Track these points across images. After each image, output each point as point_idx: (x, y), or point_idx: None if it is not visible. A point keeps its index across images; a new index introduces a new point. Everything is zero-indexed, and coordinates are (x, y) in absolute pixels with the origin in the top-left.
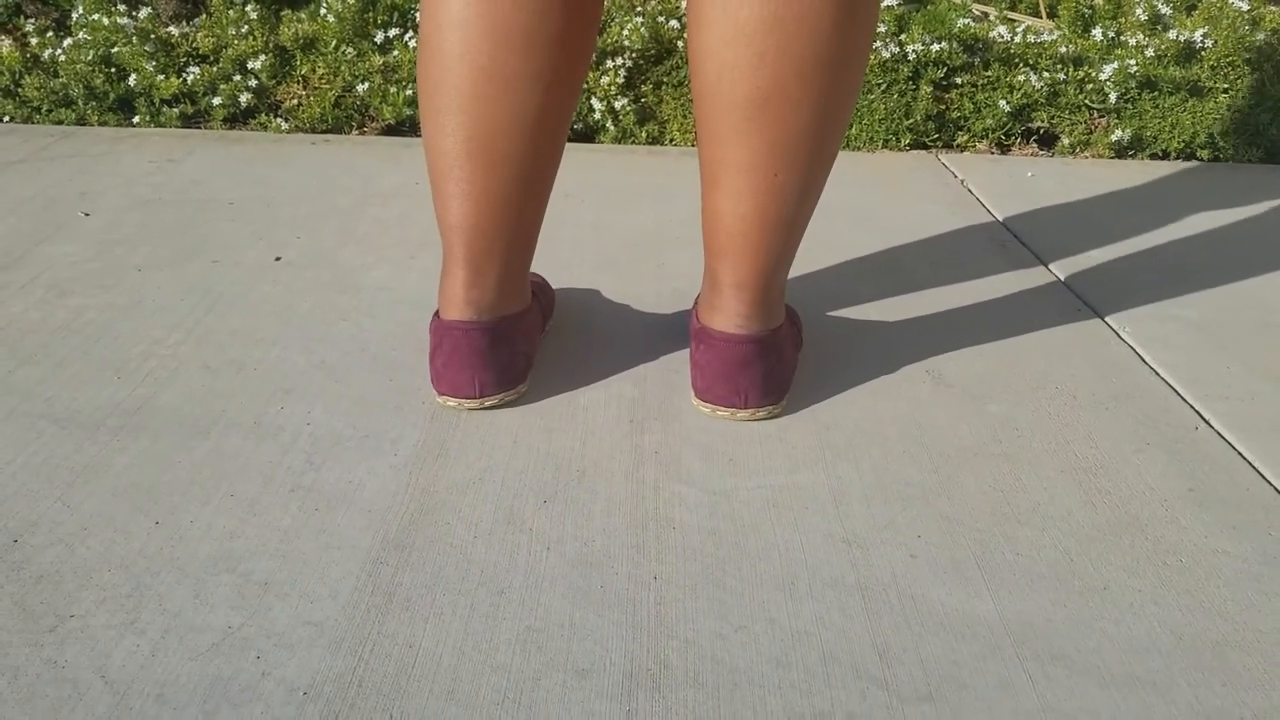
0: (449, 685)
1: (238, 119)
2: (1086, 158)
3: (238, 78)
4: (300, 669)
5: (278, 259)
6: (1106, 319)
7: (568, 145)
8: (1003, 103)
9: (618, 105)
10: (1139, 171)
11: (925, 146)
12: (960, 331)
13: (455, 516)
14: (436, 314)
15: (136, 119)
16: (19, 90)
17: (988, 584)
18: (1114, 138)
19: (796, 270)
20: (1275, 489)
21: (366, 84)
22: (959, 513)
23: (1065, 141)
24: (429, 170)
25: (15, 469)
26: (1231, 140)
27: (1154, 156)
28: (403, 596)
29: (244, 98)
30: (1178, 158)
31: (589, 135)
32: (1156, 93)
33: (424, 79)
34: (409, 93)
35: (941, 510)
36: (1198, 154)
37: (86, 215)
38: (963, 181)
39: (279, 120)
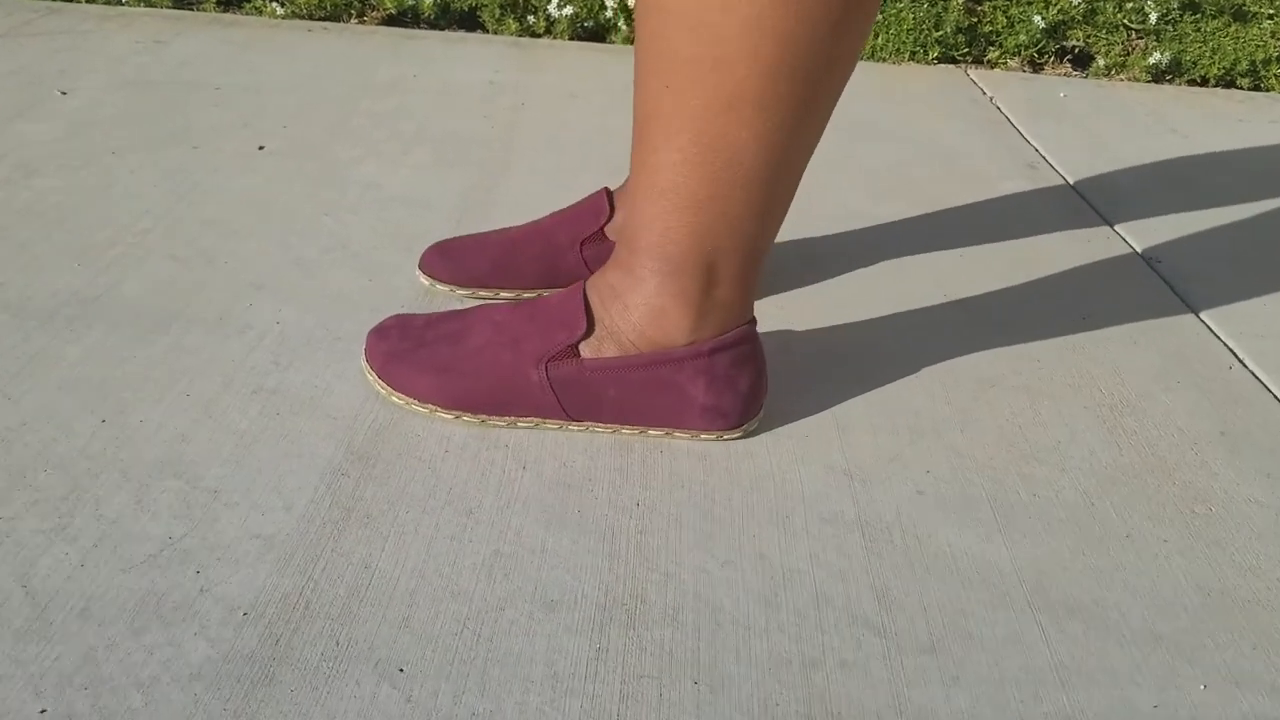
0: (404, 611)
1: (232, 2)
2: (1121, 80)
3: None
4: (243, 586)
5: (261, 148)
6: (1138, 250)
7: (576, 45)
8: (1038, 18)
9: (631, 2)
10: (1175, 97)
11: (954, 61)
12: (982, 255)
13: (427, 429)
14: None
15: None
16: None
17: (1000, 526)
18: (1151, 60)
19: (807, 187)
20: None
21: None
22: (972, 448)
23: (1100, 62)
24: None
25: None
26: (1275, 69)
27: (1192, 82)
28: (362, 512)
29: None
30: (1216, 85)
31: (599, 34)
32: (1199, 15)
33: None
34: None
35: (953, 444)
36: (1238, 82)
37: (64, 94)
38: (991, 99)
39: (274, 4)
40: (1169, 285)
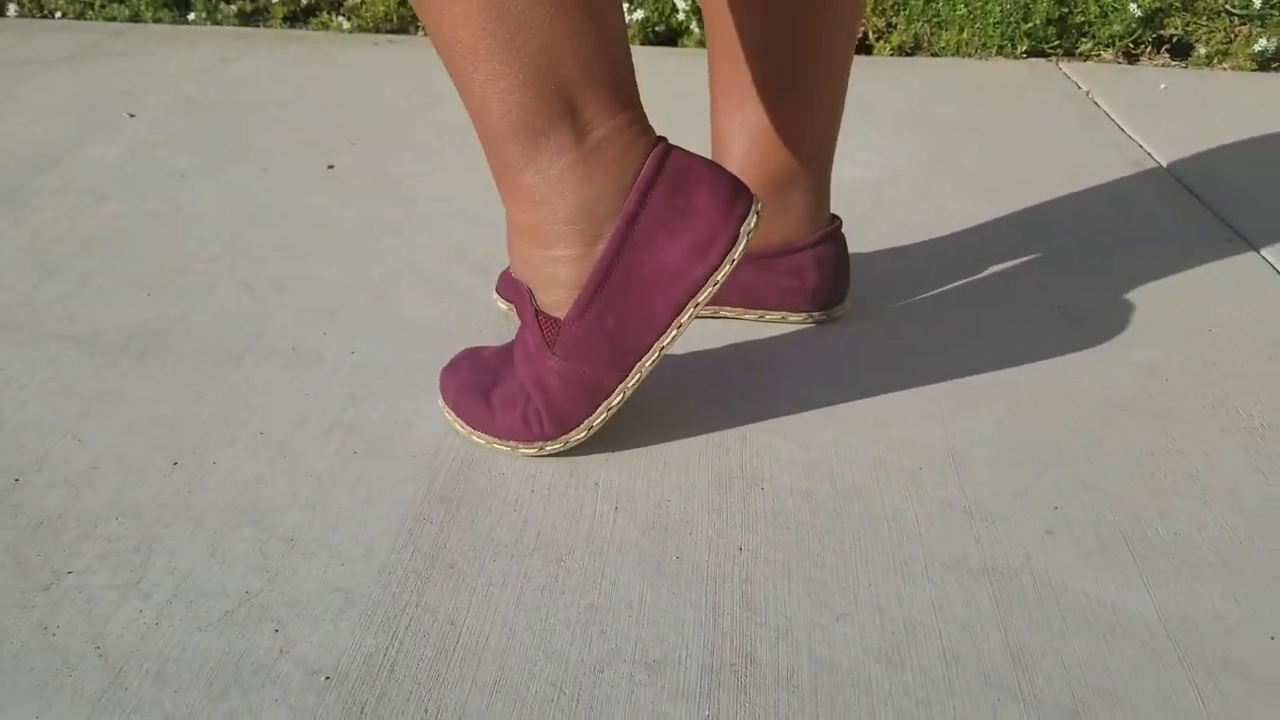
0: (495, 674)
1: (298, 17)
2: (1224, 69)
3: None
4: (324, 647)
5: (330, 167)
6: (1261, 252)
7: (648, 50)
8: (1134, 6)
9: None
10: None
11: (1044, 54)
12: (1094, 264)
13: (511, 466)
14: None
15: (192, 16)
16: None
17: (1141, 571)
18: (1257, 47)
19: (903, 189)
20: None
21: None
22: (1103, 480)
23: (1201, 51)
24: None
25: (26, 397)
26: None
27: None
28: (446, 561)
29: None
30: None
31: (671, 38)
32: None
33: None
34: None
35: (1083, 477)
36: None
37: (131, 116)
38: (1088, 93)
39: (340, 19)
40: None
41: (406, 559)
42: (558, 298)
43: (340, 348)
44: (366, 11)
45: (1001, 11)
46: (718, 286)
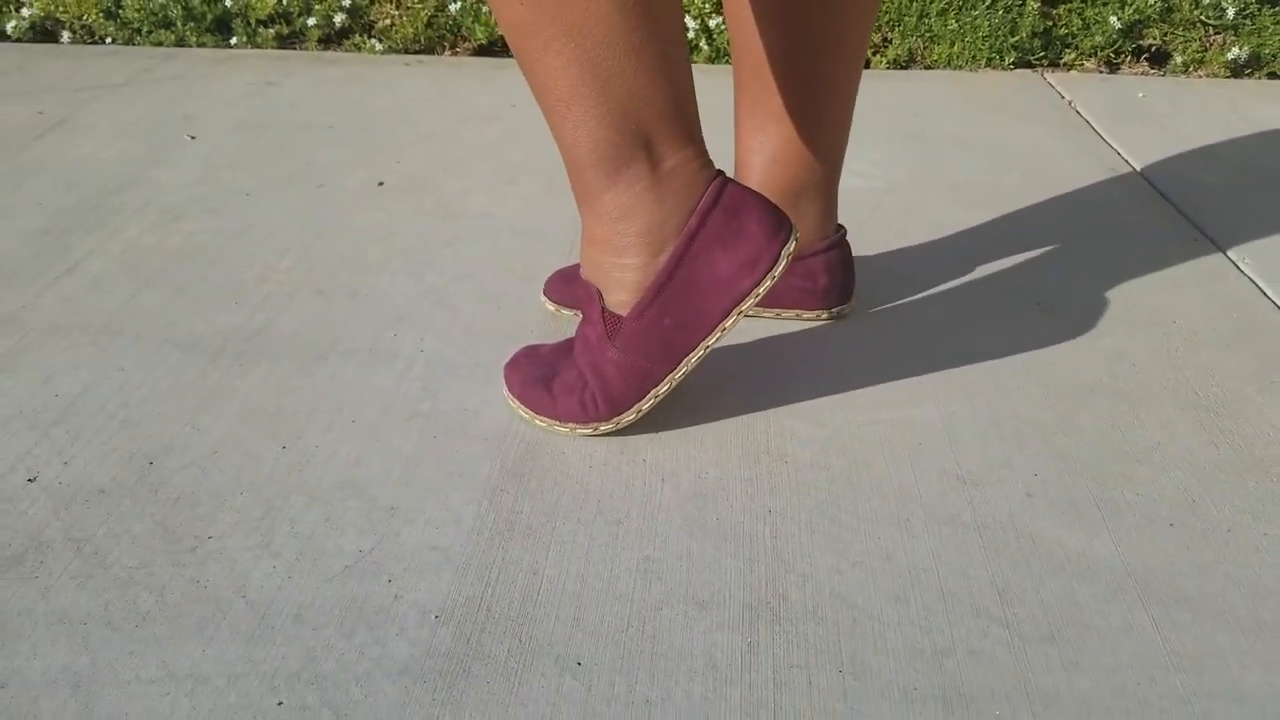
0: (574, 612)
1: (332, 39)
2: (1200, 77)
3: None
4: (431, 593)
5: (380, 184)
6: (1226, 251)
7: None
8: (1113, 18)
9: (712, 24)
10: (1257, 92)
11: (1030, 65)
12: (1070, 261)
13: (569, 447)
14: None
15: (234, 40)
16: (120, 11)
17: (1108, 525)
18: (1230, 56)
19: (899, 198)
20: None
21: (458, 2)
22: (1076, 450)
23: (1178, 59)
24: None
25: (145, 393)
26: None
27: (1272, 76)
28: (524, 524)
29: (338, 18)
30: None
31: None
32: (1277, 8)
33: None
34: None
35: (1058, 448)
36: None
37: (192, 138)
38: (1070, 102)
39: (373, 41)
40: (1258, 287)
41: (490, 523)
42: (622, 299)
43: (411, 347)
44: (397, 33)
45: (990, 26)
46: (759, 298)
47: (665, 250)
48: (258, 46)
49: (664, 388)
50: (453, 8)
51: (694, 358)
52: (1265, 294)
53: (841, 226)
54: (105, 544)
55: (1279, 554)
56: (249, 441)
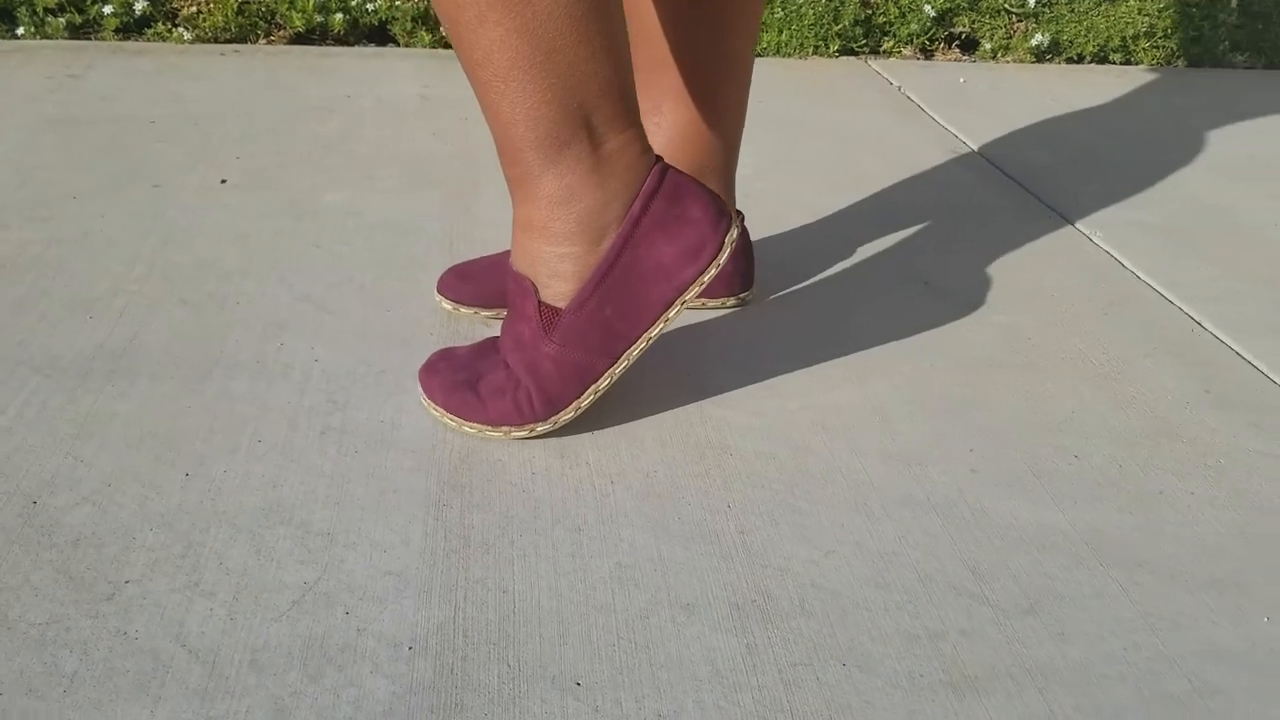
0: (557, 630)
1: (131, 29)
2: (1008, 62)
3: None
4: (396, 622)
5: (223, 182)
6: (1076, 224)
7: None
8: (928, 7)
9: None
10: (1060, 76)
11: (853, 53)
12: (942, 240)
13: (504, 452)
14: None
15: (20, 31)
16: None
17: (1051, 495)
18: (1034, 42)
19: (767, 183)
20: None
21: None
22: (1001, 424)
23: (987, 46)
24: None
25: (8, 422)
26: (1143, 43)
27: (1069, 60)
28: (479, 540)
29: (139, 5)
30: (1091, 61)
31: None
32: None
33: None
34: None
35: (983, 423)
36: (1110, 57)
37: None
38: (899, 88)
39: (180, 30)
40: (1114, 258)
41: (441, 541)
42: (561, 290)
43: (303, 357)
44: (205, 21)
45: (815, 14)
46: (702, 287)
47: (606, 238)
48: (47, 37)
49: (604, 383)
50: None
51: (635, 350)
52: (1124, 265)
53: (739, 211)
54: (1, 600)
55: (1209, 512)
56: (145, 470)
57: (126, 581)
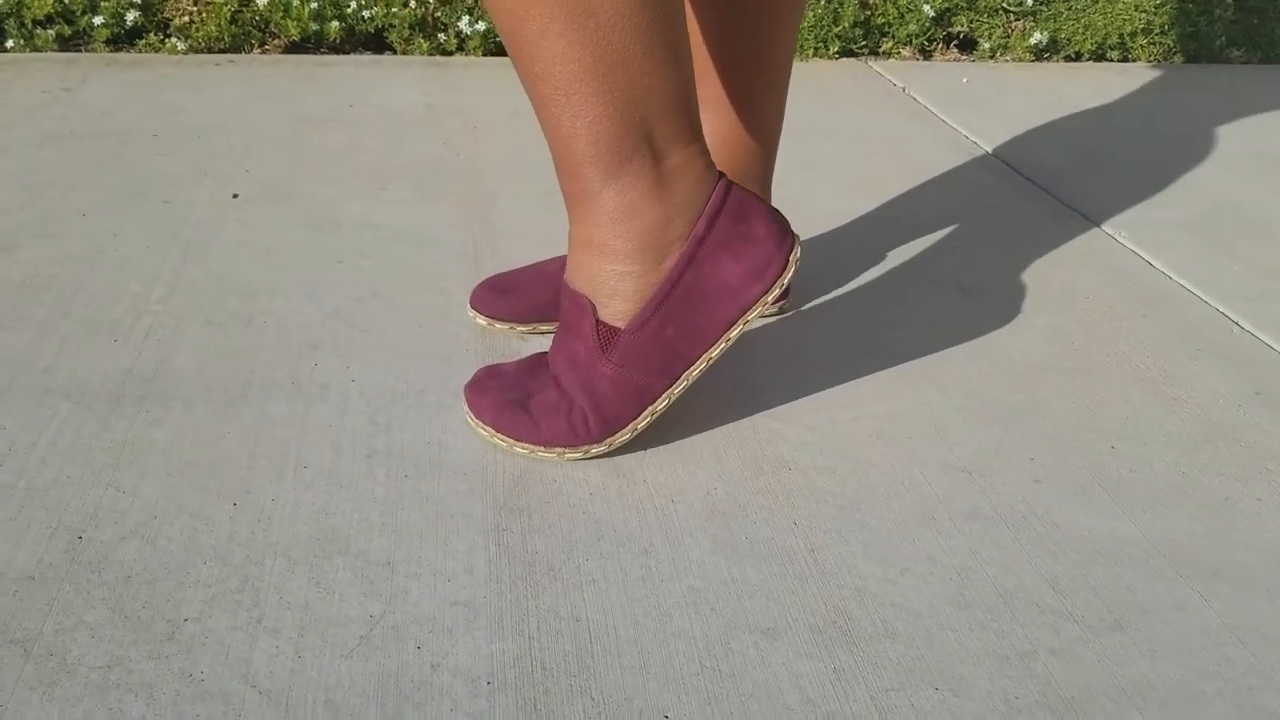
0: (638, 659)
1: (123, 40)
2: (1007, 61)
3: None
4: (470, 656)
5: (235, 196)
6: (1101, 225)
7: (493, 60)
8: (927, 6)
9: None
10: (1060, 74)
11: (853, 54)
12: (967, 244)
13: (559, 473)
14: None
15: (9, 44)
16: None
17: (1118, 504)
18: (1032, 40)
19: (786, 188)
20: None
21: None
22: (1058, 431)
23: (985, 45)
24: None
25: (43, 452)
26: (1141, 40)
27: (1068, 58)
28: (544, 565)
29: (130, 15)
30: (1089, 59)
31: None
32: None
33: None
34: (313, 5)
35: (1041, 430)
36: (1108, 55)
37: None
38: (904, 89)
39: (173, 40)
40: (1143, 258)
41: (506, 567)
42: (619, 309)
43: (339, 377)
44: (198, 31)
45: (814, 16)
46: (766, 306)
47: (668, 256)
48: (37, 49)
49: (662, 404)
50: (261, 2)
51: (695, 371)
52: (1154, 265)
53: None
54: (58, 642)
55: (1278, 517)
56: (190, 501)
57: (185, 619)
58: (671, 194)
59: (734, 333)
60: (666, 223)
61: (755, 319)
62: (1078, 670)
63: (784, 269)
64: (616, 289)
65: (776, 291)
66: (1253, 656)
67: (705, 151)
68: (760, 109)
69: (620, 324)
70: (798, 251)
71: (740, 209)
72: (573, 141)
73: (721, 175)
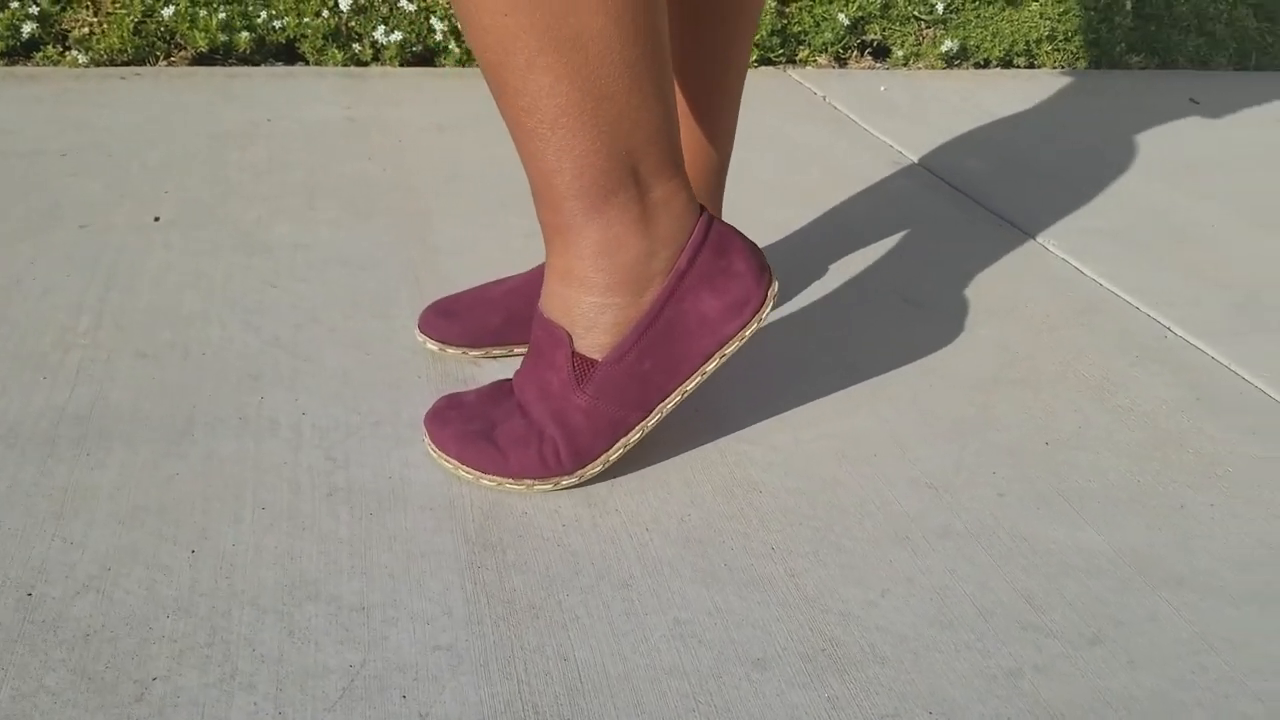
0: (631, 698)
1: (18, 52)
2: (920, 68)
3: (15, 4)
4: (461, 703)
5: (156, 219)
6: (1031, 234)
7: (410, 71)
8: (841, 16)
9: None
10: (973, 80)
11: (771, 63)
12: (906, 256)
13: (528, 504)
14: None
15: None
16: None
17: (1081, 514)
18: (944, 48)
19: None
20: (1265, 392)
21: (172, 7)
22: (1014, 443)
23: (898, 53)
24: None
25: None
26: (1046, 46)
27: (978, 65)
28: (524, 603)
29: (26, 28)
30: (998, 65)
31: (429, 58)
32: (978, 2)
33: None
34: (222, 15)
35: (998, 443)
36: (1015, 61)
37: None
38: (825, 98)
39: (73, 52)
40: (1074, 267)
41: (485, 607)
42: (597, 342)
43: (288, 409)
44: (99, 43)
45: None
46: (744, 341)
47: (649, 289)
48: None
49: (635, 436)
50: (166, 12)
51: (668, 404)
52: (1085, 274)
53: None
54: (17, 710)
55: (1234, 524)
56: (144, 549)
57: (154, 679)
58: (655, 227)
59: (710, 366)
60: (650, 256)
61: (732, 353)
62: (1063, 686)
63: (762, 304)
64: (596, 321)
65: (755, 326)
66: (1225, 664)
67: (688, 184)
68: (716, 124)
69: (597, 356)
70: (775, 287)
71: (721, 243)
72: (556, 175)
73: (703, 208)
